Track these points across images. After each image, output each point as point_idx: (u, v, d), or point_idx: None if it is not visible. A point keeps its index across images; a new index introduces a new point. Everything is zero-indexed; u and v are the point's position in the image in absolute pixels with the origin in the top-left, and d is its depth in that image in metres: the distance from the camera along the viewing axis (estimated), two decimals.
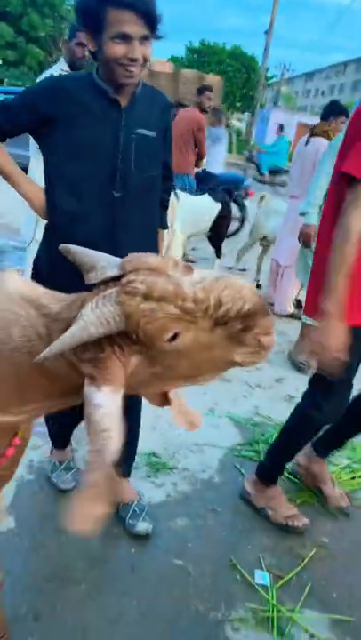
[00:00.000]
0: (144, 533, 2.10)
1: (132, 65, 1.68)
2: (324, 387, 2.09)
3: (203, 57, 35.21)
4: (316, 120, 4.96)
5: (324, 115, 4.55)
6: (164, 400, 1.12)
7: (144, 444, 2.64)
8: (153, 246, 2.02)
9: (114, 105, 1.80)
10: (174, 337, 0.88)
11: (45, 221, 2.08)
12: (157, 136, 1.90)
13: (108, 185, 1.82)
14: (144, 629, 1.73)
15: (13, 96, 1.89)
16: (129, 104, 1.82)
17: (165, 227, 2.19)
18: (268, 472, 2.34)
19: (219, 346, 0.91)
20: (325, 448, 2.52)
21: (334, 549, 2.21)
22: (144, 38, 1.67)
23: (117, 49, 1.66)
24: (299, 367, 3.92)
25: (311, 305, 1.98)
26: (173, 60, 36.65)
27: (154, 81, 13.47)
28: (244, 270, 5.92)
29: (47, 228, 1.97)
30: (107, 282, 0.93)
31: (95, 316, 0.86)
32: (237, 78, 33.95)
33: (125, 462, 2.23)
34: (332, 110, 4.55)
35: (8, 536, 2.01)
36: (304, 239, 3.88)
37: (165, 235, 4.98)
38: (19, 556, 1.93)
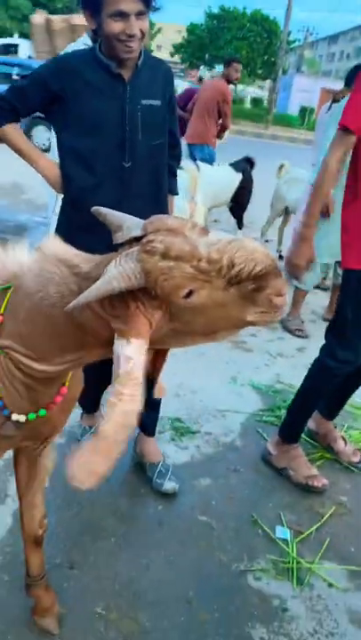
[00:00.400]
0: (171, 492, 2.23)
1: (131, 40, 1.78)
2: (338, 335, 2.24)
3: (222, 22, 34.33)
4: (340, 85, 4.87)
5: (348, 80, 4.47)
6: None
7: (168, 409, 2.76)
8: (163, 212, 2.10)
9: (118, 79, 1.89)
10: (189, 294, 0.94)
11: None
12: (162, 104, 1.99)
13: (118, 156, 1.91)
14: (171, 578, 1.86)
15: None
16: (132, 77, 1.91)
17: (175, 193, 2.27)
18: (289, 430, 2.44)
19: (232, 304, 0.96)
20: (328, 408, 2.63)
21: (352, 507, 2.30)
22: (140, 14, 1.75)
23: (115, 26, 1.75)
24: (295, 333, 4.01)
25: (345, 258, 2.19)
26: (192, 26, 35.85)
27: None
28: (266, 242, 5.92)
29: (64, 201, 2.07)
30: (131, 242, 1.00)
31: (118, 272, 0.94)
32: (258, 44, 33.07)
33: (150, 424, 2.35)
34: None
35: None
36: None
37: (185, 204, 5.01)
38: (53, 512, 2.06)
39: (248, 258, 0.93)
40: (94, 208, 1.15)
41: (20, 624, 1.63)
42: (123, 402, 0.93)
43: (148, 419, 2.34)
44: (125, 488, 2.25)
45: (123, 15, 1.74)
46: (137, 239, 0.99)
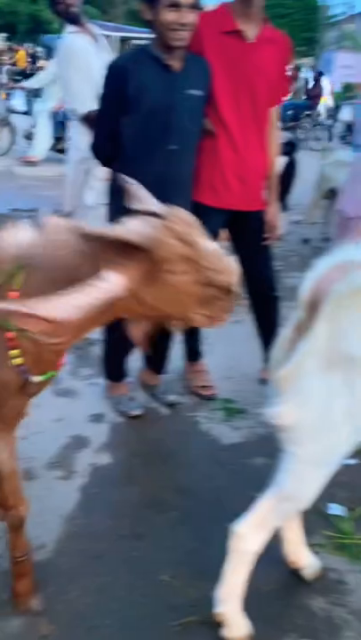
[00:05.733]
0: (175, 402, 2.72)
1: (183, 29, 2.02)
2: None
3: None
4: None
5: None
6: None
7: (220, 391, 2.85)
8: (189, 194, 2.39)
9: (168, 70, 2.13)
10: (172, 271, 1.22)
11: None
12: (203, 95, 2.24)
13: (165, 140, 2.18)
14: None
15: None
16: (181, 68, 2.15)
17: None
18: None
19: (191, 297, 1.27)
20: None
21: None
22: (192, 6, 2.00)
23: (170, 16, 2.00)
24: None
25: None
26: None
27: None
28: (314, 224, 5.85)
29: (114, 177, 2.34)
30: (146, 213, 1.28)
31: (137, 229, 1.21)
32: (298, 20, 32.17)
33: (159, 362, 2.77)
34: None
35: (105, 471, 2.28)
36: None
37: None
38: (116, 487, 2.19)
39: (229, 270, 1.26)
40: (130, 180, 1.44)
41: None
42: (74, 296, 1.14)
43: (157, 358, 2.73)
44: (184, 464, 2.35)
45: (177, 6, 1.97)
46: (152, 214, 1.27)
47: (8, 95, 8.39)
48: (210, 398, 2.81)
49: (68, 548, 1.89)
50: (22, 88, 8.36)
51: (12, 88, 8.62)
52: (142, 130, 2.16)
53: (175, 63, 2.13)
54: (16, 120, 8.40)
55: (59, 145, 7.83)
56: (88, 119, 3.14)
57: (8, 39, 24.83)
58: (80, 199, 3.81)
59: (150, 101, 2.12)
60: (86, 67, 3.26)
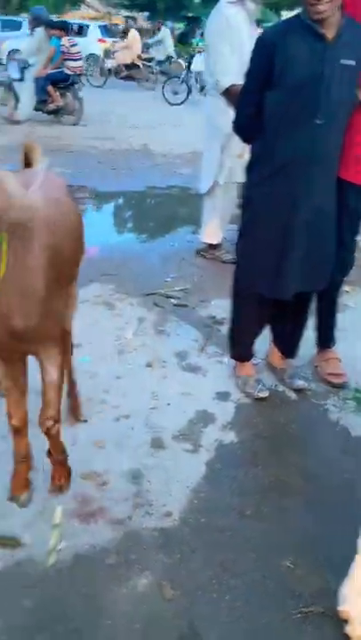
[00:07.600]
0: (301, 387, 2.64)
1: (318, 3, 1.92)
2: None
3: None
4: None
5: None
6: None
7: (351, 380, 2.73)
8: (335, 171, 2.27)
9: (321, 39, 2.02)
10: None
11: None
12: (356, 65, 2.07)
13: (312, 113, 2.07)
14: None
15: None
16: (334, 37, 2.02)
17: None
18: (320, 338, 2.83)
19: None
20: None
21: None
22: None
23: None
24: None
25: None
26: None
27: None
28: None
29: (253, 153, 2.33)
30: None
31: None
32: None
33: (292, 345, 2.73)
34: None
35: (230, 449, 2.29)
36: None
37: None
38: (240, 466, 2.19)
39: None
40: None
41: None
42: None
43: (286, 342, 2.71)
44: (311, 450, 2.30)
45: None
46: None
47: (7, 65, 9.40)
48: (341, 387, 2.70)
49: (192, 519, 1.93)
50: (14, 59, 9.34)
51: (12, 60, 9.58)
52: (287, 104, 2.08)
53: (329, 32, 2.01)
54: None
55: (45, 107, 9.01)
56: (229, 93, 3.10)
57: (149, 17, 25.31)
58: (215, 177, 3.79)
59: (298, 74, 2.03)
60: (238, 41, 3.20)
